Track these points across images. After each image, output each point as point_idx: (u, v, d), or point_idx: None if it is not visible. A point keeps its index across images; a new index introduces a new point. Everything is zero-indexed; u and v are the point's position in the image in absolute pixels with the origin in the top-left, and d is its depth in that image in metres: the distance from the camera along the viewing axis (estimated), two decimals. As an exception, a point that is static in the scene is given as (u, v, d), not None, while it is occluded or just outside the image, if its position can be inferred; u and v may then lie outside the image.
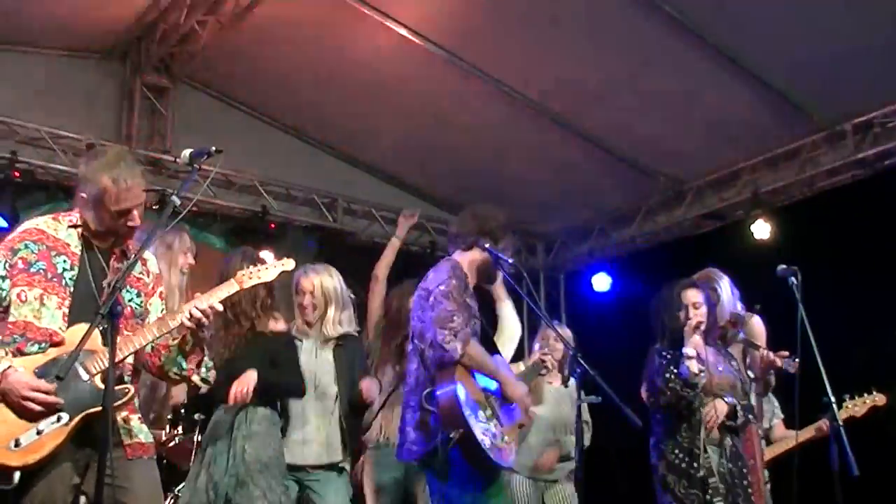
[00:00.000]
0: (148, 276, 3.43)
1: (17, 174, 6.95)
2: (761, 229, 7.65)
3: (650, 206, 8.71)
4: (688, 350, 4.50)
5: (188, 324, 3.17)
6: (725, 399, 4.45)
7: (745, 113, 7.27)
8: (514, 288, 4.30)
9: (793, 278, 4.40)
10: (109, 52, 7.68)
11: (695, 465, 4.41)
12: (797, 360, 4.51)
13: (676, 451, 4.48)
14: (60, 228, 3.27)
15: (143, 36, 7.47)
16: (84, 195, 3.21)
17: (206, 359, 3.39)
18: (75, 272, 3.20)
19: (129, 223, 3.22)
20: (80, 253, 3.24)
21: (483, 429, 3.89)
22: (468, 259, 4.27)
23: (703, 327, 4.56)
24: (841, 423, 4.23)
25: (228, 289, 3.31)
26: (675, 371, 4.51)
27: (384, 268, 5.54)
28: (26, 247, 3.19)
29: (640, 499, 4.80)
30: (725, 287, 4.98)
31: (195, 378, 3.37)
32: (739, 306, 5.03)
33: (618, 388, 5.26)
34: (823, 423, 4.96)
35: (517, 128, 7.95)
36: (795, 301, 4.37)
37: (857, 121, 7.17)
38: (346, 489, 4.75)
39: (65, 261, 3.21)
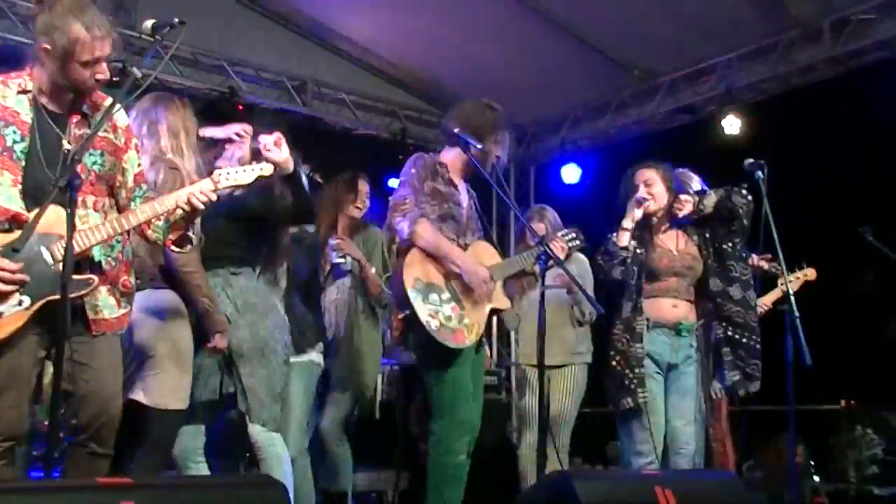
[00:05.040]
0: (115, 133, 3.26)
1: (-24, 44, 6.76)
2: (732, 125, 7.65)
3: (622, 98, 8.63)
4: (624, 222, 4.45)
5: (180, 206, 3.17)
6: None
7: (724, 6, 7.16)
8: (483, 176, 4.32)
9: (759, 172, 4.42)
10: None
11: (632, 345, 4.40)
12: (781, 265, 4.52)
13: (618, 329, 4.47)
14: (9, 94, 3.07)
15: None
16: (48, 46, 3.00)
17: (190, 235, 3.35)
18: (26, 143, 3.03)
19: (99, 75, 3.07)
20: (31, 122, 3.06)
21: (431, 310, 4.03)
22: (454, 152, 4.32)
23: (651, 206, 4.46)
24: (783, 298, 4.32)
25: (203, 186, 3.27)
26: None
27: None
28: None
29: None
30: (696, 188, 4.91)
31: (173, 248, 3.35)
32: None
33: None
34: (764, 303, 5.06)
35: (491, 14, 7.77)
36: (761, 195, 4.41)
37: (834, 17, 7.09)
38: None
39: (14, 132, 3.03)
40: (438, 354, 4.07)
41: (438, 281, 4.12)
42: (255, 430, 3.97)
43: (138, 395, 3.61)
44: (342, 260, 5.13)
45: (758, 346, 4.46)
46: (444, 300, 4.09)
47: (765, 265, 4.84)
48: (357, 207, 5.28)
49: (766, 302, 5.06)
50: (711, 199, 4.48)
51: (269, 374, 4.01)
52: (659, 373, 4.43)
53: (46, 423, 4.24)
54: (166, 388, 3.65)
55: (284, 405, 4.23)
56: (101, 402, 3.13)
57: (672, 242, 4.53)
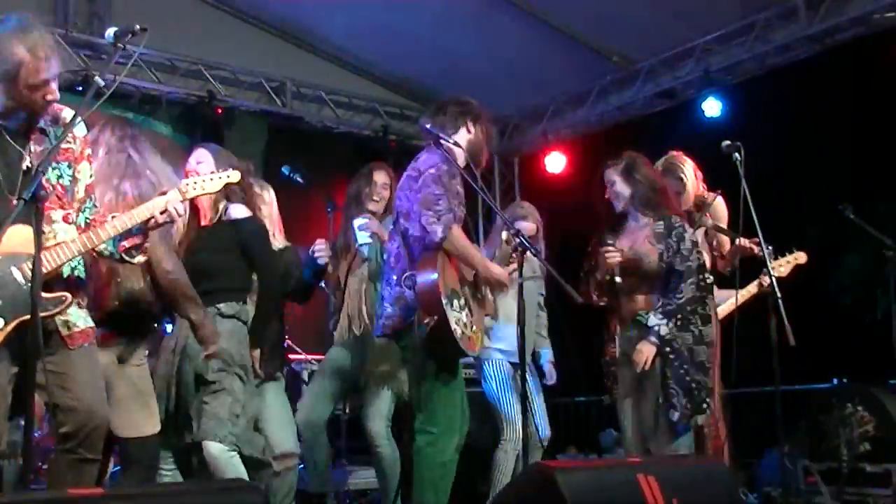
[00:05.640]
0: (75, 143, 3.25)
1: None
2: (712, 107, 7.65)
3: (602, 86, 8.62)
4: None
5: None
6: (650, 339, 4.29)
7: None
8: (465, 177, 4.33)
9: (736, 154, 4.41)
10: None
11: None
12: (762, 246, 4.51)
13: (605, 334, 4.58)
14: None
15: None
16: None
17: (146, 245, 3.35)
18: None
19: (48, 97, 3.04)
20: None
21: (456, 318, 3.99)
22: (458, 151, 4.32)
23: (616, 259, 4.38)
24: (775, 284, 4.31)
25: (172, 197, 3.27)
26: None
27: None
28: None
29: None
30: (689, 172, 4.95)
31: (126, 257, 3.31)
32: (702, 188, 5.03)
33: (571, 266, 5.37)
34: (762, 280, 5.04)
35: (468, 7, 7.77)
36: (739, 176, 4.41)
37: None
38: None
39: None
40: (454, 362, 4.11)
41: (455, 286, 4.10)
42: (215, 449, 4.00)
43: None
44: (370, 240, 4.99)
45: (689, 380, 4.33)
46: (461, 306, 4.08)
47: (754, 248, 4.82)
48: (374, 201, 5.17)
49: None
50: None
51: (234, 400, 4.10)
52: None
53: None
54: (132, 421, 3.71)
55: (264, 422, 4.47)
56: (85, 410, 3.12)
57: (628, 242, 4.49)
